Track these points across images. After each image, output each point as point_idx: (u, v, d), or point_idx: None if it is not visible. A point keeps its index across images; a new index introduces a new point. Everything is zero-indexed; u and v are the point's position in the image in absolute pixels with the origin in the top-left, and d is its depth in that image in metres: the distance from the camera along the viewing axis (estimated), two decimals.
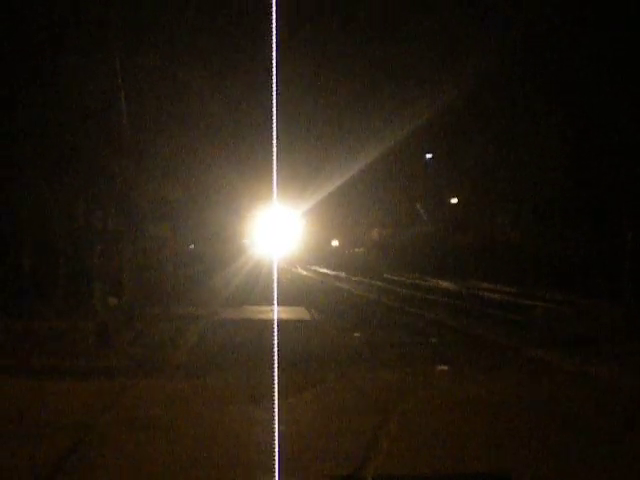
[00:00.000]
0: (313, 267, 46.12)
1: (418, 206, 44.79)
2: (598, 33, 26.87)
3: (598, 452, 6.01)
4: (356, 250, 58.91)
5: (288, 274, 36.75)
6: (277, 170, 8.37)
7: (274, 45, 7.78)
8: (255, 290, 20.14)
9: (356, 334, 14.02)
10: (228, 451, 5.93)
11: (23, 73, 14.90)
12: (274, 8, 7.58)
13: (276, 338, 10.14)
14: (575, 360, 10.67)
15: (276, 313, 15.51)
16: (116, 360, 10.06)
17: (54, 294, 16.53)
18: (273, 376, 8.10)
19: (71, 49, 15.36)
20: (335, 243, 62.17)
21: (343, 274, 39.57)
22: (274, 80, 7.86)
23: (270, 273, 22.38)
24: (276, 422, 6.11)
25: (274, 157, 7.95)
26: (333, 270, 43.29)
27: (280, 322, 14.28)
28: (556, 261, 27.78)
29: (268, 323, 14.22)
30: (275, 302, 15.41)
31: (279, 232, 21.85)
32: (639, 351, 12.00)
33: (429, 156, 43.06)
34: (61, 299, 16.45)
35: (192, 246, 26.50)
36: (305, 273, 40.90)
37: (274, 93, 7.90)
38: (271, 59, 7.77)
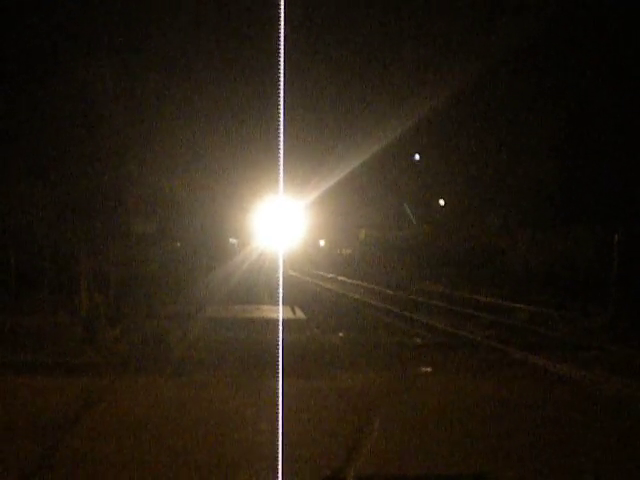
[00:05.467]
0: (304, 269, 45.96)
1: (405, 206, 44.78)
2: (591, 35, 27.05)
3: (584, 457, 6.06)
4: (344, 251, 58.89)
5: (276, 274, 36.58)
6: (279, 165, 8.30)
7: (281, 41, 7.78)
8: (249, 289, 20.00)
9: (340, 334, 14.04)
10: (217, 451, 5.93)
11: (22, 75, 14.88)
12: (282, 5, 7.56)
13: (280, 337, 10.13)
14: (560, 363, 10.72)
15: (267, 312, 15.52)
16: (101, 357, 10.03)
17: (40, 291, 16.49)
18: (261, 375, 8.11)
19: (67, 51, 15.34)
20: (322, 243, 62.14)
21: (330, 275, 39.53)
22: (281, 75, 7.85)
23: (266, 272, 22.17)
24: (280, 424, 6.08)
25: (281, 149, 7.91)
26: (324, 272, 43.19)
27: (262, 320, 14.27)
28: (545, 265, 27.88)
29: (255, 321, 14.21)
30: (280, 302, 15.34)
31: (282, 228, 20.96)
32: (622, 355, 12.11)
33: (417, 157, 43.11)
34: (47, 296, 16.41)
35: (178, 244, 26.31)
36: (293, 273, 40.84)
37: (281, 84, 7.89)
38: (278, 53, 7.78)
